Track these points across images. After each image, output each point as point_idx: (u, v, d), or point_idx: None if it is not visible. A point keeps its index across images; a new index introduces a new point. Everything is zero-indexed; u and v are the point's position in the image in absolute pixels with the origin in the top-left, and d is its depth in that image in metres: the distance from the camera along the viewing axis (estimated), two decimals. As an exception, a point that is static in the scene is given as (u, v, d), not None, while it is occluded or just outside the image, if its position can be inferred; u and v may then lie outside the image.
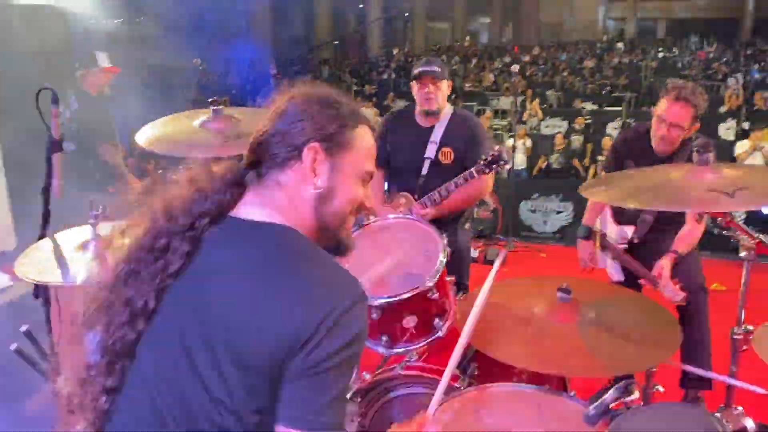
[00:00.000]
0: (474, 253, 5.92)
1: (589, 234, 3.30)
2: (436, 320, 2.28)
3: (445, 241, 2.38)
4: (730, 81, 14.98)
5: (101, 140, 4.92)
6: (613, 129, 10.85)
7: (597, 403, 1.80)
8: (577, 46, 26.42)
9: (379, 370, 2.43)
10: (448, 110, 3.33)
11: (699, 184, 1.93)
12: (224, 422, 1.13)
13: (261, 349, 1.11)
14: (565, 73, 18.74)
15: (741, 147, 8.00)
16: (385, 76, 20.45)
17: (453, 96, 3.41)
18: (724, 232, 2.13)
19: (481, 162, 3.06)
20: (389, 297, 2.22)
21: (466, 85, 17.39)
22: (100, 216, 2.29)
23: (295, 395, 1.10)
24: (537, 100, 12.88)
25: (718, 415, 2.07)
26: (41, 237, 2.28)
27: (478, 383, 2.15)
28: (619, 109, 12.73)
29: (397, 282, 2.27)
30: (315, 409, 1.10)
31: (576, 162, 9.15)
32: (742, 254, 2.13)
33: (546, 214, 7.32)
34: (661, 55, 22.81)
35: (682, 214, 3.07)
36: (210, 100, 2.45)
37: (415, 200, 3.22)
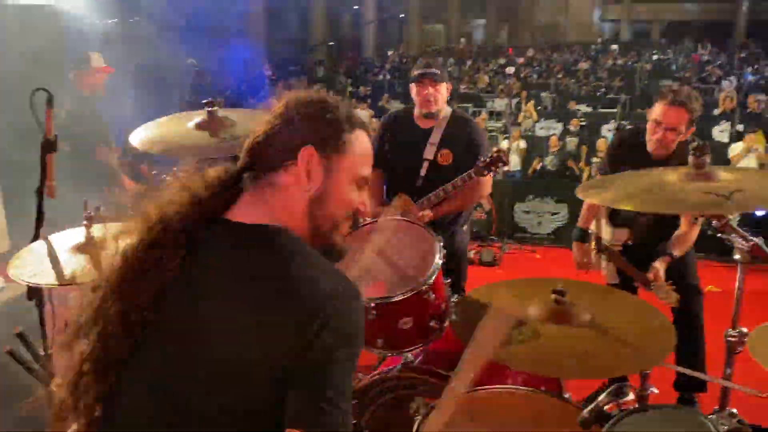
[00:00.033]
0: (469, 255, 5.94)
1: (585, 236, 3.31)
2: (432, 322, 2.28)
3: (441, 243, 2.38)
4: (724, 84, 15.06)
5: (95, 141, 4.90)
6: (607, 131, 10.89)
7: (591, 405, 1.81)
8: (571, 48, 26.49)
9: (375, 372, 2.43)
10: (447, 112, 3.34)
11: (694, 186, 1.94)
12: (220, 427, 1.12)
13: (254, 353, 1.11)
14: (559, 75, 18.79)
15: (735, 149, 8.03)
16: (380, 78, 20.46)
17: (449, 98, 3.41)
18: (720, 234, 2.13)
19: (480, 164, 3.07)
20: (385, 298, 2.22)
21: (461, 86, 17.42)
22: (94, 217, 2.28)
23: (296, 396, 1.10)
24: (532, 102, 12.91)
25: (712, 417, 2.07)
26: (35, 238, 2.27)
27: (473, 385, 2.14)
28: (613, 111, 12.79)
29: (393, 283, 2.27)
30: (315, 408, 1.09)
31: (571, 163, 9.17)
32: (737, 257, 2.13)
33: (540, 215, 7.33)
34: (655, 57, 22.89)
35: (677, 217, 3.08)
36: (204, 101, 2.45)
37: (414, 202, 3.22)
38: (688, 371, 2.48)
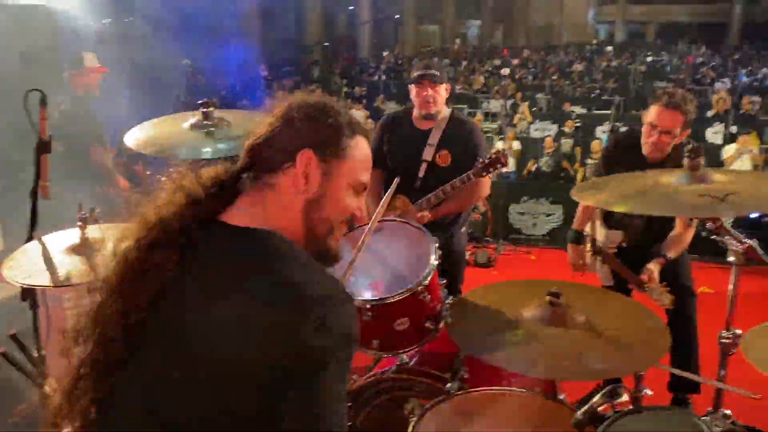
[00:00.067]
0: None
1: (580, 238, 3.31)
2: (428, 323, 2.28)
3: (437, 244, 2.38)
4: (718, 85, 15.12)
5: (90, 141, 4.89)
6: (602, 132, 10.92)
7: (586, 406, 1.81)
8: (566, 49, 26.56)
9: (370, 373, 2.43)
10: (445, 113, 3.34)
11: (689, 189, 1.94)
12: (213, 429, 1.13)
13: (247, 355, 1.10)
14: (554, 77, 18.84)
15: (728, 151, 8.07)
16: (375, 78, 20.46)
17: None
18: (714, 236, 2.14)
19: (479, 165, 3.07)
20: (380, 299, 2.22)
21: (456, 87, 17.43)
22: (88, 218, 2.28)
23: (290, 399, 1.09)
24: (527, 104, 12.93)
25: (706, 418, 2.08)
26: (29, 239, 2.26)
27: (468, 387, 2.15)
28: (608, 112, 12.82)
29: (389, 284, 2.27)
30: (309, 411, 1.09)
31: (566, 165, 9.19)
32: (731, 258, 2.14)
33: (535, 216, 7.35)
34: (649, 59, 22.97)
35: (671, 219, 3.09)
36: (200, 102, 2.44)
37: (412, 203, 3.22)
38: (681, 373, 2.49)
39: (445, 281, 2.43)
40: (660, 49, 26.40)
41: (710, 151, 8.41)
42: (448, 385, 2.20)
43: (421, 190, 3.23)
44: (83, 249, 2.24)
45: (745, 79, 17.23)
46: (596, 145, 9.16)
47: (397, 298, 2.20)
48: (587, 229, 3.35)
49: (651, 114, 3.02)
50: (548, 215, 7.29)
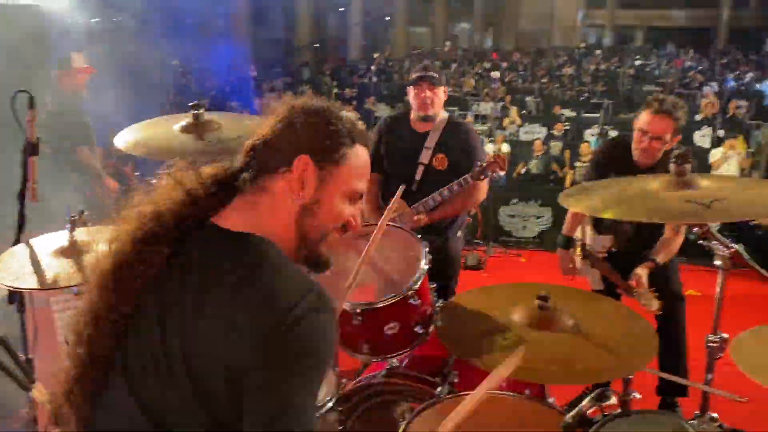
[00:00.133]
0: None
1: (569, 243, 3.33)
2: (418, 327, 2.28)
3: (427, 249, 2.38)
4: (706, 89, 15.23)
5: (78, 142, 4.86)
6: (590, 135, 10.96)
7: (575, 410, 1.82)
8: (556, 52, 26.67)
9: (360, 377, 2.43)
10: (443, 117, 3.34)
11: (675, 195, 1.96)
12: (191, 427, 1.14)
13: (218, 360, 1.12)
14: (544, 80, 18.90)
15: (715, 154, 8.13)
16: (365, 80, 20.45)
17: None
18: (700, 241, 2.16)
19: (477, 168, 3.07)
20: (370, 303, 2.22)
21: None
22: (77, 221, 2.26)
23: (252, 403, 1.11)
24: (516, 108, 12.96)
25: (693, 422, 2.10)
26: (16, 242, 2.25)
27: (458, 391, 2.15)
28: (597, 115, 12.88)
29: (379, 289, 2.27)
30: (271, 416, 1.10)
31: (555, 167, 9.23)
32: (718, 263, 2.16)
33: (525, 219, 7.38)
34: (638, 62, 23.10)
35: (661, 224, 3.11)
36: (190, 104, 2.44)
37: (409, 206, 3.22)
38: (669, 376, 2.51)
39: (435, 285, 2.43)
40: (649, 53, 26.58)
41: (698, 154, 8.47)
42: (438, 389, 2.21)
43: (418, 193, 3.24)
44: (71, 252, 2.23)
45: (732, 83, 17.37)
46: (585, 148, 9.21)
47: (387, 303, 2.20)
48: (577, 233, 3.36)
49: (642, 120, 3.03)
50: (538, 218, 7.32)
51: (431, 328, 2.31)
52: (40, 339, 2.28)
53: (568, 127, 11.33)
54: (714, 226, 2.13)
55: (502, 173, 3.12)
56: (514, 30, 31.37)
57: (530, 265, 6.70)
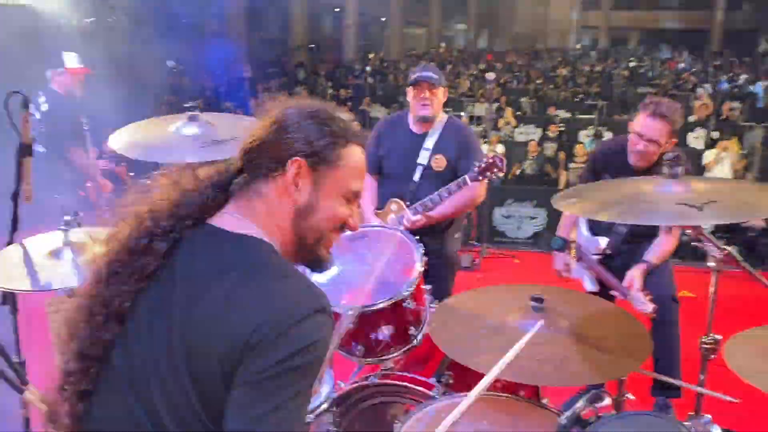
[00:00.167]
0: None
1: (564, 245, 3.33)
2: (412, 329, 2.28)
3: (422, 251, 2.38)
4: (700, 91, 15.30)
5: (71, 142, 4.84)
6: (585, 137, 10.99)
7: (569, 411, 1.82)
8: (551, 54, 26.74)
9: (354, 379, 2.43)
10: (442, 118, 3.34)
11: (669, 197, 1.96)
12: (190, 426, 1.14)
13: (212, 356, 1.12)
14: (539, 81, 18.95)
15: (709, 156, 8.16)
16: (360, 81, 20.45)
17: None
18: (693, 243, 2.16)
19: (476, 169, 3.06)
20: (365, 306, 2.22)
21: (442, 90, 17.41)
22: (71, 222, 2.26)
23: (239, 401, 1.11)
24: (511, 110, 12.98)
25: (687, 423, 2.10)
26: (9, 243, 2.24)
27: (453, 392, 2.16)
28: (591, 117, 12.92)
29: (373, 291, 2.27)
30: (256, 415, 1.09)
31: (549, 169, 9.25)
32: (711, 264, 2.16)
33: (520, 219, 7.39)
34: (632, 64, 23.19)
35: (655, 226, 3.11)
36: (186, 105, 2.43)
37: (407, 207, 3.22)
38: (663, 378, 2.51)
39: (429, 287, 2.43)
40: (643, 55, 26.68)
41: (691, 155, 8.51)
42: (433, 390, 2.21)
43: (416, 194, 3.23)
44: (65, 253, 2.22)
45: (725, 85, 17.45)
46: (579, 149, 9.23)
47: (381, 306, 2.20)
48: (572, 235, 3.37)
49: (638, 123, 3.03)
50: (532, 218, 7.34)
51: (426, 330, 2.31)
52: (34, 341, 2.27)
53: (562, 129, 11.36)
54: (707, 228, 2.13)
55: (501, 174, 3.11)
56: (509, 31, 31.43)
57: (524, 266, 6.71)
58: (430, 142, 3.28)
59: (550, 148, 10.09)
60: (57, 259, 2.19)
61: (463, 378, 2.25)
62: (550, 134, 10.88)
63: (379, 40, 31.42)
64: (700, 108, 11.05)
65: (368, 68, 22.59)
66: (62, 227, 2.26)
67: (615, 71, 20.91)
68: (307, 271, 1.39)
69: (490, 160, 3.07)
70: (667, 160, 2.02)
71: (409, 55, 26.89)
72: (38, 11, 5.67)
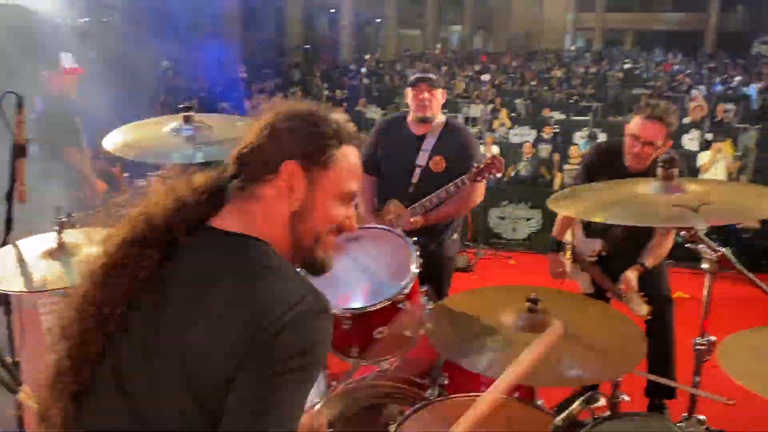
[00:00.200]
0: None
1: (559, 247, 3.34)
2: (407, 331, 2.28)
3: (418, 252, 2.39)
4: (694, 92, 15.36)
5: (66, 143, 4.82)
6: (579, 138, 11.02)
7: (564, 413, 1.83)
8: (545, 55, 26.81)
9: (349, 380, 2.42)
10: (441, 119, 3.35)
11: (663, 199, 1.97)
12: (185, 428, 1.14)
13: (211, 357, 1.12)
14: (533, 83, 18.99)
15: (703, 158, 8.19)
16: (356, 82, 20.46)
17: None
18: (688, 244, 2.17)
19: (474, 169, 3.07)
20: (360, 307, 2.22)
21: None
22: (66, 223, 2.25)
23: (238, 401, 1.10)
24: (505, 111, 13.00)
25: (681, 424, 2.11)
26: (3, 244, 2.23)
27: (448, 393, 2.16)
28: (586, 118, 12.94)
29: (369, 292, 2.27)
30: (256, 415, 1.09)
31: (544, 170, 9.27)
32: (705, 266, 2.17)
33: (515, 221, 7.40)
34: (627, 66, 23.27)
35: (651, 228, 3.11)
36: (180, 105, 2.43)
37: (405, 207, 3.22)
38: (657, 379, 2.52)
39: (425, 288, 2.43)
40: (637, 57, 26.78)
41: (686, 157, 8.54)
42: (428, 391, 2.21)
43: (415, 195, 3.23)
44: (59, 254, 2.21)
45: (720, 87, 17.52)
46: (574, 151, 9.25)
47: (376, 307, 2.20)
48: (567, 237, 3.37)
49: (633, 125, 3.03)
50: (527, 220, 7.35)
51: (421, 331, 2.31)
52: (27, 341, 2.26)
53: (557, 130, 11.38)
54: (701, 230, 2.14)
55: (499, 175, 3.12)
56: (504, 33, 31.49)
57: (520, 268, 6.72)
58: (429, 144, 3.28)
59: (544, 150, 10.11)
60: (51, 260, 2.18)
61: (459, 379, 2.25)
62: (545, 136, 10.89)
63: (374, 41, 31.44)
64: (695, 110, 11.09)
65: (364, 69, 22.55)
66: (56, 228, 2.25)
67: (609, 73, 20.98)
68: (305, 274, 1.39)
69: (489, 161, 3.07)
70: (662, 162, 2.03)
71: (405, 56, 26.91)
72: (32, 10, 5.64)
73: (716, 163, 7.92)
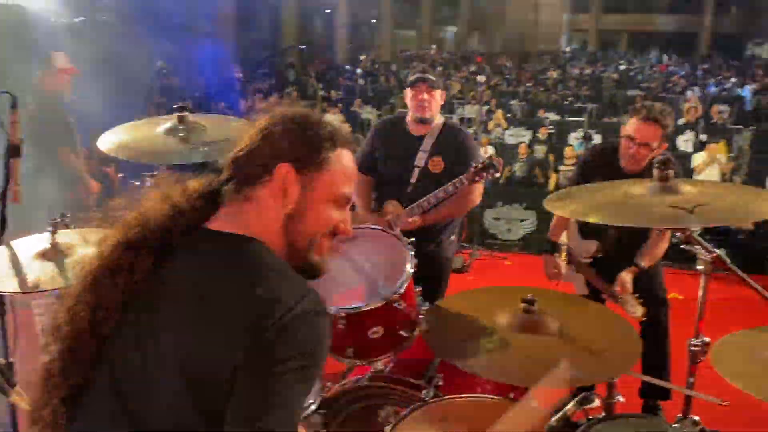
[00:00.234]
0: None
1: (554, 248, 3.34)
2: (402, 331, 2.28)
3: (413, 252, 2.38)
4: (689, 94, 15.41)
5: (60, 143, 4.80)
6: (574, 139, 11.04)
7: (559, 413, 1.83)
8: (541, 56, 26.87)
9: (344, 381, 2.42)
10: (439, 120, 3.35)
11: (658, 200, 1.97)
12: (191, 428, 1.13)
13: (211, 358, 1.12)
14: (529, 84, 19.02)
15: (697, 159, 8.21)
16: (351, 82, 20.45)
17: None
18: (683, 245, 2.17)
19: (472, 170, 3.07)
20: (355, 307, 2.21)
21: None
22: (59, 223, 2.24)
23: (239, 402, 1.10)
24: (501, 112, 13.02)
25: (676, 425, 2.12)
26: (-3, 244, 2.21)
27: (443, 394, 2.16)
28: (581, 119, 12.97)
29: (364, 292, 2.27)
30: (256, 416, 1.09)
31: (539, 171, 9.29)
32: (700, 267, 2.17)
33: (510, 222, 7.41)
34: (622, 67, 23.33)
35: (646, 229, 3.12)
36: (175, 106, 2.42)
37: (403, 208, 3.22)
38: (652, 380, 2.52)
39: (420, 288, 2.43)
40: (632, 58, 26.87)
41: (680, 158, 8.56)
42: (423, 392, 2.21)
43: (413, 195, 3.23)
44: (53, 254, 2.20)
45: (714, 88, 17.59)
46: (569, 152, 9.26)
47: (371, 307, 2.20)
48: (562, 238, 3.37)
49: (629, 127, 3.04)
50: (522, 221, 7.36)
51: (416, 332, 2.31)
52: (21, 342, 2.25)
53: (552, 131, 11.40)
54: (696, 231, 2.14)
55: (498, 175, 3.12)
56: (499, 34, 31.53)
57: (515, 268, 6.72)
58: (427, 145, 3.28)
59: (540, 151, 10.12)
60: (45, 261, 2.17)
61: (454, 380, 2.25)
62: (540, 137, 10.91)
63: (370, 42, 31.43)
64: (690, 111, 11.12)
65: (359, 69, 22.61)
66: (50, 228, 2.24)
67: (604, 74, 21.03)
68: None
69: (487, 162, 3.07)
70: (658, 164, 2.04)
71: (401, 56, 26.92)
72: (27, 9, 5.62)
73: (710, 165, 7.94)
